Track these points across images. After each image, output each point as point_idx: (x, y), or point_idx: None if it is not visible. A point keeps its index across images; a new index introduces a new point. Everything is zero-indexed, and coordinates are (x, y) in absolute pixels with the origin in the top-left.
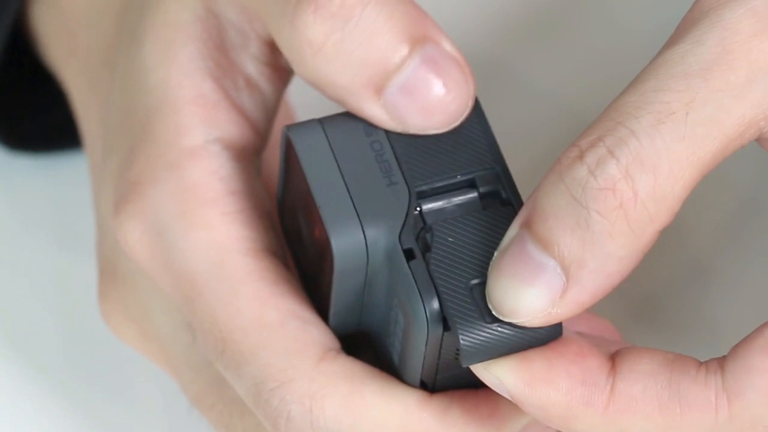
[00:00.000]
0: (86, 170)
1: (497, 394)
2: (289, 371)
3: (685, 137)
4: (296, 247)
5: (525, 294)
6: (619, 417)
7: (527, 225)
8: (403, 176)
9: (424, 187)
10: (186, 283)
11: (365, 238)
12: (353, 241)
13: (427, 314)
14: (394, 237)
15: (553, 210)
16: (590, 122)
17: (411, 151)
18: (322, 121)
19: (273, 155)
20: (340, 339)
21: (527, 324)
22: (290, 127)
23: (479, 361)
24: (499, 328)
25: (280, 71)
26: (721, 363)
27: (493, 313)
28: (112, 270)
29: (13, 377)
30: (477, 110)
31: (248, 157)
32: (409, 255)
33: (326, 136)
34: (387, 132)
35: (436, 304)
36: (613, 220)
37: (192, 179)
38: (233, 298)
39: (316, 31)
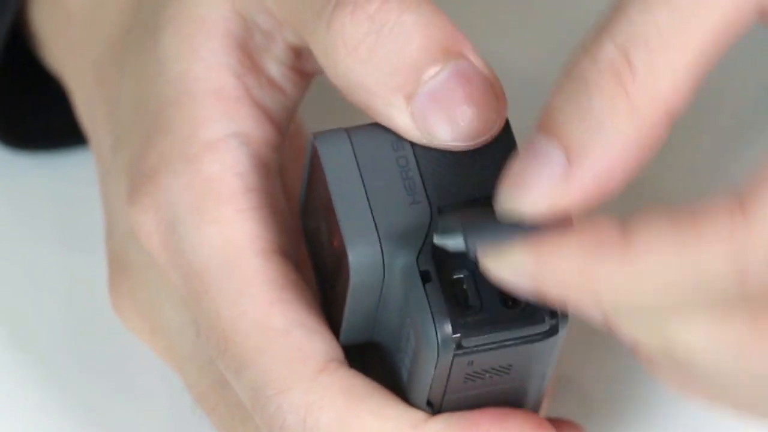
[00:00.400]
0: (87, 167)
1: (495, 414)
2: (288, 380)
3: (676, 9)
4: (315, 248)
5: (529, 180)
6: (637, 262)
7: (536, 128)
8: (427, 195)
9: (447, 209)
10: (194, 277)
11: (383, 255)
12: (370, 257)
13: (439, 338)
14: (412, 257)
15: (559, 104)
16: None
17: (436, 169)
18: (349, 131)
19: (290, 156)
20: (349, 347)
21: (532, 213)
22: (317, 135)
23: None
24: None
25: (304, 75)
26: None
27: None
28: (122, 264)
29: (16, 374)
30: (507, 131)
31: (267, 154)
32: (425, 277)
33: (352, 146)
34: (413, 147)
35: (448, 328)
36: (614, 97)
37: (209, 173)
38: (240, 298)
39: (352, 32)
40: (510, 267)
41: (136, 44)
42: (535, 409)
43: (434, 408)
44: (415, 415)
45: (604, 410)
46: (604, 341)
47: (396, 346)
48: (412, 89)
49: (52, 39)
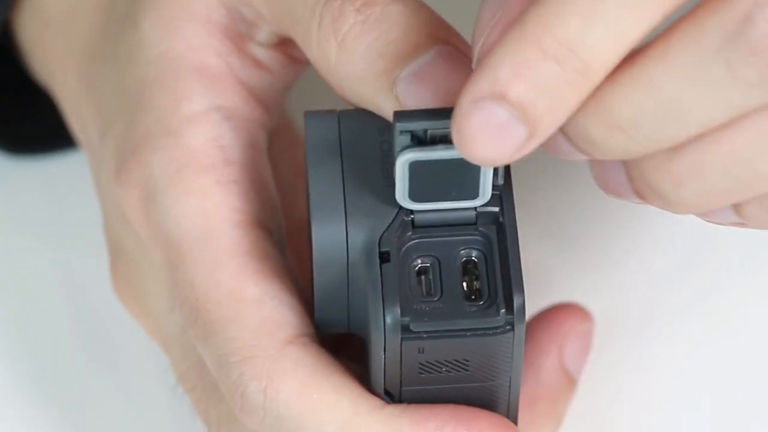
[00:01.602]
0: (79, 168)
1: (451, 408)
2: (254, 348)
3: None
4: (310, 243)
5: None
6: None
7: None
8: None
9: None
10: (172, 248)
11: (347, 232)
12: (334, 233)
13: (386, 320)
14: (375, 237)
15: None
16: None
17: None
18: (340, 113)
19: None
20: (337, 340)
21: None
22: (309, 113)
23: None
24: None
25: (292, 58)
26: None
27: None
28: (118, 249)
29: (13, 373)
30: None
31: (252, 130)
32: (383, 257)
33: (339, 127)
34: None
35: (396, 311)
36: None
37: (190, 145)
38: (215, 268)
39: (340, 25)
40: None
41: (115, 33)
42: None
43: (394, 399)
44: (375, 401)
45: (604, 410)
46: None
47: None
48: (397, 72)
49: (37, 46)
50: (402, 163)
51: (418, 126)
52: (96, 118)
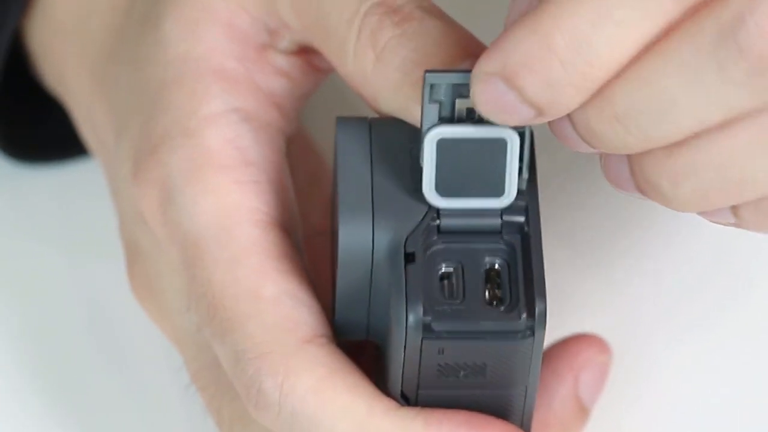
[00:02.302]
0: (91, 174)
1: (466, 414)
2: (271, 344)
3: None
4: (334, 247)
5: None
6: None
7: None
8: None
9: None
10: (190, 245)
11: (373, 233)
12: (360, 234)
13: (408, 318)
14: (401, 238)
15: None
16: None
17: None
18: (372, 121)
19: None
20: (356, 348)
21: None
22: (340, 119)
23: None
24: None
25: (313, 66)
26: None
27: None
28: (134, 249)
29: (29, 376)
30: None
31: (270, 133)
32: (408, 258)
33: (370, 133)
34: None
35: (419, 309)
36: None
37: (208, 145)
38: (233, 266)
39: (379, 38)
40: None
41: (134, 34)
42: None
43: (409, 402)
44: (389, 402)
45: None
46: None
47: (387, 341)
48: None
49: (45, 52)
50: (430, 140)
51: (446, 79)
52: (111, 119)
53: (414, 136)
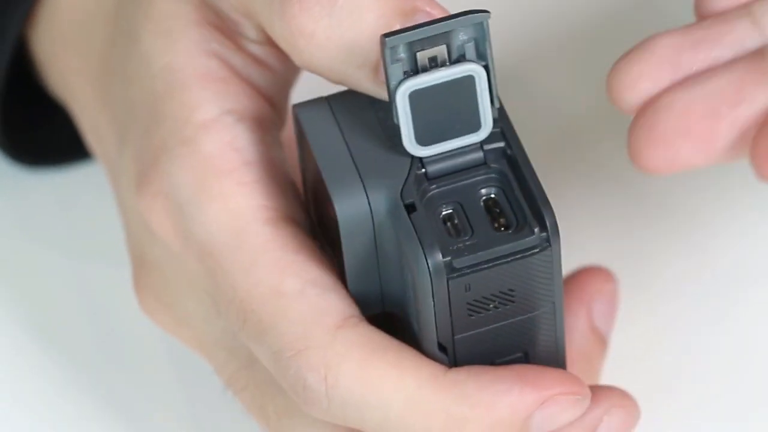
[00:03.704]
0: (96, 178)
1: (515, 369)
2: (306, 339)
3: None
4: (325, 233)
5: None
6: None
7: None
8: None
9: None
10: (207, 255)
11: (368, 199)
12: (356, 203)
13: (429, 263)
14: (395, 194)
15: None
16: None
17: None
18: (329, 98)
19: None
20: (374, 320)
21: None
22: (297, 105)
23: None
24: None
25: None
26: None
27: None
28: (141, 260)
29: (36, 382)
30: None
31: (265, 128)
32: (410, 208)
33: (332, 110)
34: None
35: (437, 252)
36: None
37: (207, 151)
38: (252, 267)
39: (304, 20)
40: None
41: (121, 47)
42: (558, 354)
43: (447, 352)
44: (436, 367)
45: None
46: None
47: (407, 303)
48: (377, 61)
49: (49, 60)
50: (402, 95)
51: (404, 39)
52: (113, 130)
53: (374, 98)
